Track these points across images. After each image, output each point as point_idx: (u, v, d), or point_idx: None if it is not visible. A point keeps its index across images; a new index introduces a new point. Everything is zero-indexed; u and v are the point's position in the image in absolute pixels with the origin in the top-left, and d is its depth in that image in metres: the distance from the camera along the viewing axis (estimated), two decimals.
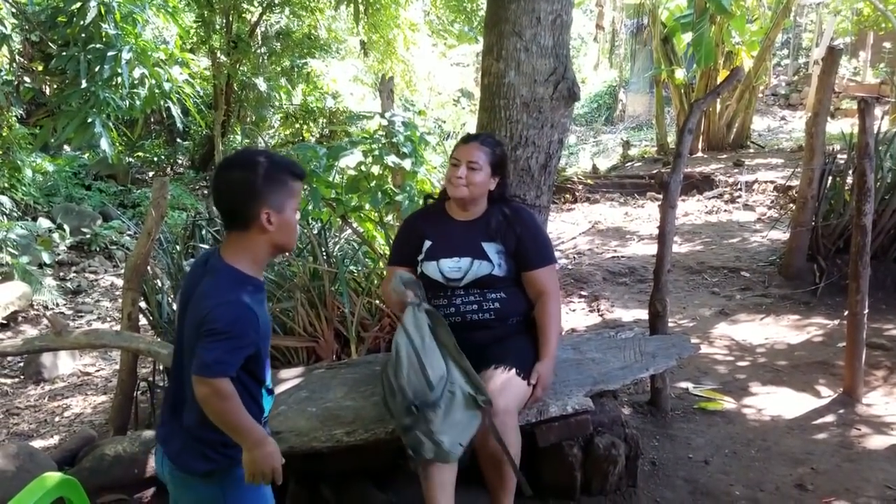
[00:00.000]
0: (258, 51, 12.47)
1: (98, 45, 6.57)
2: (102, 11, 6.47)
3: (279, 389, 3.07)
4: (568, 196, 10.57)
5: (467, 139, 2.81)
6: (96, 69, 6.55)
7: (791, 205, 7.97)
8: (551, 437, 2.68)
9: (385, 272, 3.87)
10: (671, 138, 13.53)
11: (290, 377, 3.23)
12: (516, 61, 3.08)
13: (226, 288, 1.74)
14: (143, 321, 4.28)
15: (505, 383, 2.48)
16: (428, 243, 2.77)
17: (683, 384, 4.01)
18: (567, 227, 8.76)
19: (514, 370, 2.53)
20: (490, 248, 2.70)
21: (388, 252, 4.43)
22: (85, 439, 3.29)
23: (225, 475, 1.78)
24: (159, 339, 3.90)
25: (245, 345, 1.71)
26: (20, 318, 7.20)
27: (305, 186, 4.09)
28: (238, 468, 1.76)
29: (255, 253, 1.80)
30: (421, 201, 4.28)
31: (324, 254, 4.34)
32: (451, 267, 2.69)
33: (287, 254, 4.35)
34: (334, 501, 2.70)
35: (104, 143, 6.91)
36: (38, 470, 2.84)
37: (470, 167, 2.69)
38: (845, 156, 5.76)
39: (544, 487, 2.81)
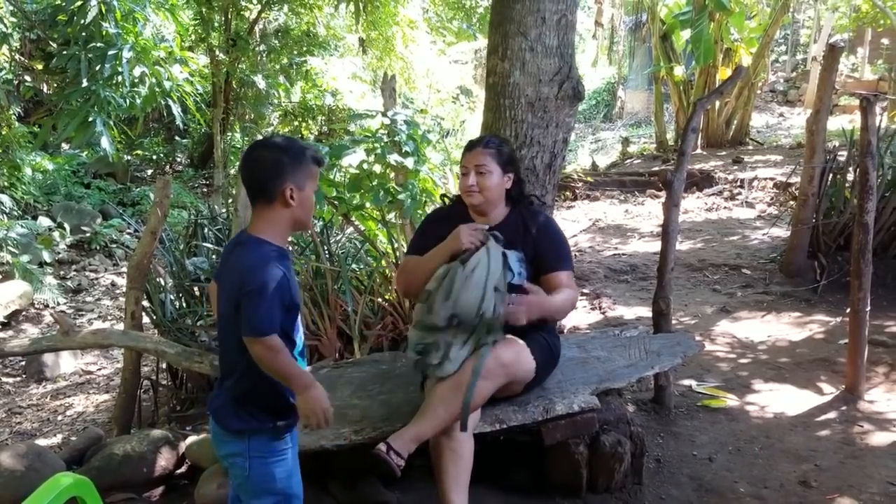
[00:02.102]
0: (257, 48, 12.46)
1: (99, 44, 6.57)
2: (103, 10, 6.47)
3: None
4: (568, 194, 10.58)
5: (471, 145, 2.79)
6: (97, 68, 6.56)
7: (791, 202, 8.00)
8: (557, 435, 2.69)
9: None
10: (670, 135, 13.55)
11: None
12: (521, 61, 3.09)
13: (254, 253, 1.93)
14: (145, 320, 4.29)
15: (519, 349, 2.58)
16: None
17: (686, 382, 4.02)
18: (568, 225, 8.77)
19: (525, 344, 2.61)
20: (512, 257, 2.64)
21: (389, 250, 4.46)
22: (93, 438, 3.30)
23: (253, 435, 1.97)
24: (164, 339, 3.90)
25: (281, 301, 1.88)
26: (21, 317, 7.21)
27: None
28: (264, 433, 1.97)
29: (278, 224, 1.98)
30: (426, 200, 4.32)
31: (326, 252, 4.35)
32: None
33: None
34: (343, 500, 2.71)
35: (105, 142, 6.93)
36: (46, 469, 2.85)
37: (479, 172, 2.69)
38: (845, 153, 5.78)
39: (551, 485, 2.83)
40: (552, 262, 2.72)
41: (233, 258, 1.99)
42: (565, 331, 4.71)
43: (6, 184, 8.98)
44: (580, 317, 5.32)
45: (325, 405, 1.94)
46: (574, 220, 9.06)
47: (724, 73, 11.88)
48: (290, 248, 4.42)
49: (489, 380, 2.47)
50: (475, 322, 2.46)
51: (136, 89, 7.08)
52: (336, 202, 4.20)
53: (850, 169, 5.55)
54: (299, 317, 2.05)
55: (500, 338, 2.54)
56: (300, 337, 2.04)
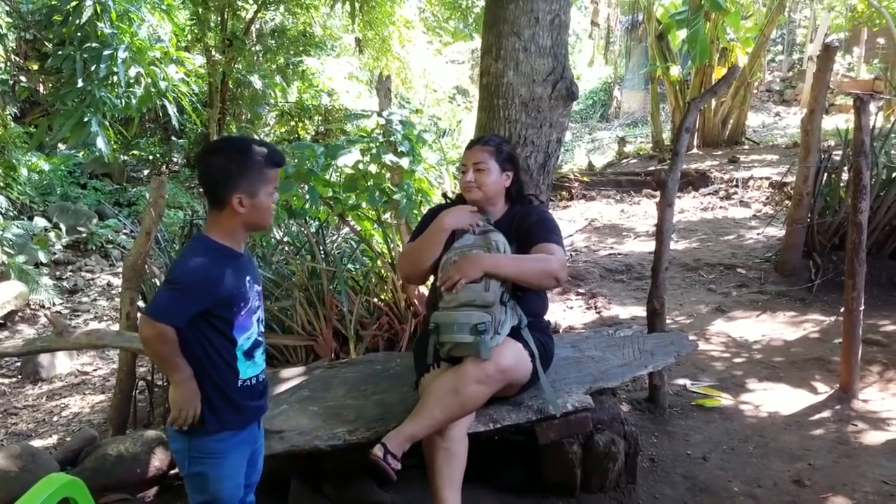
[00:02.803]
0: (253, 48, 12.44)
1: (94, 44, 6.56)
2: (98, 10, 6.46)
3: (280, 388, 3.09)
4: (564, 193, 10.60)
5: (471, 143, 2.83)
6: (92, 68, 6.54)
7: (787, 201, 8.01)
8: (552, 434, 2.69)
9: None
10: (666, 135, 13.56)
11: (291, 376, 3.25)
12: (515, 61, 3.09)
13: (190, 251, 2.01)
14: None
15: (517, 353, 2.55)
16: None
17: (681, 381, 4.03)
18: (564, 225, 8.76)
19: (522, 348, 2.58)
20: (500, 238, 2.66)
21: (385, 251, 4.45)
22: (87, 439, 3.29)
23: (193, 435, 2.00)
24: None
25: (194, 298, 1.91)
26: (17, 318, 7.19)
27: (303, 185, 4.11)
28: (203, 434, 2.00)
29: (229, 229, 2.00)
30: (422, 200, 4.32)
31: (322, 252, 4.35)
32: None
33: (267, 236, 4.40)
34: (336, 500, 2.71)
35: (100, 142, 6.91)
36: (40, 470, 2.85)
37: (477, 168, 2.72)
38: (840, 152, 5.79)
39: (545, 485, 2.83)
40: (538, 235, 2.68)
41: None
42: (560, 330, 4.72)
43: (2, 184, 8.96)
44: (575, 316, 5.32)
45: (194, 403, 1.97)
46: (570, 220, 9.07)
47: (720, 72, 11.88)
48: (285, 246, 4.43)
49: (487, 385, 2.48)
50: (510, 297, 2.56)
51: (131, 89, 7.06)
52: (332, 202, 4.21)
53: (845, 168, 5.56)
54: (253, 316, 2.05)
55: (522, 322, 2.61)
56: (248, 337, 2.04)
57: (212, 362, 1.98)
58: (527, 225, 2.74)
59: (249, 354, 2.06)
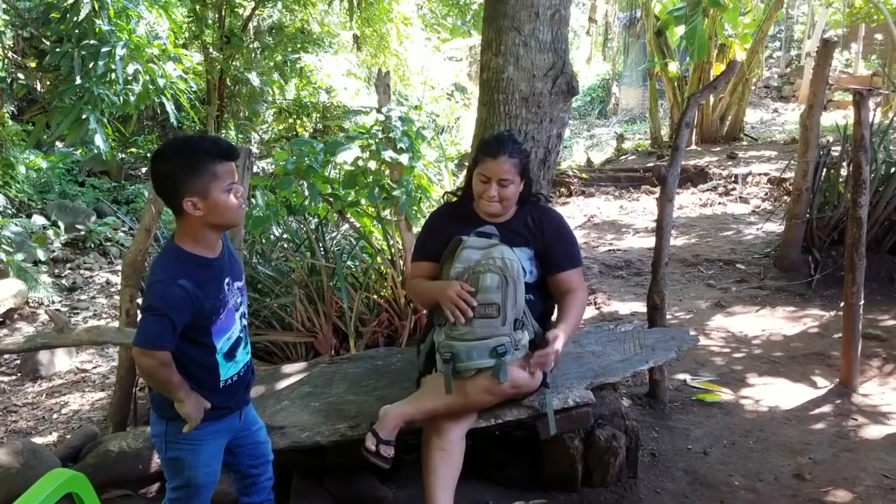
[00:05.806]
0: (251, 45, 12.41)
1: (92, 41, 6.54)
2: (96, 7, 6.44)
3: (281, 384, 3.09)
4: (563, 190, 10.60)
5: (494, 153, 2.59)
6: (90, 65, 6.53)
7: (785, 197, 8.02)
8: None
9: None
10: (665, 131, 13.57)
11: (292, 372, 3.25)
12: (515, 56, 3.09)
13: (163, 266, 1.94)
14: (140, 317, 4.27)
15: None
16: None
17: (681, 376, 4.03)
18: None
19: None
20: (522, 255, 2.61)
21: (384, 247, 4.45)
22: (88, 436, 3.30)
23: (170, 421, 2.03)
24: None
25: (176, 320, 1.87)
26: (16, 316, 7.18)
27: (303, 182, 4.10)
28: (179, 420, 2.00)
29: (194, 234, 1.94)
30: (421, 196, 4.31)
31: (321, 249, 4.35)
32: None
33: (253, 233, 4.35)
34: (338, 495, 2.71)
35: (98, 140, 6.90)
36: (41, 467, 2.85)
37: (501, 184, 2.58)
38: (839, 148, 5.80)
39: (546, 479, 2.84)
40: (563, 261, 2.68)
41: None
42: None
43: (0, 182, 8.95)
44: None
45: (202, 406, 2.00)
46: (569, 217, 9.07)
47: (718, 68, 11.90)
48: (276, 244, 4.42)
49: (496, 396, 2.47)
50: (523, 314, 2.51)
51: (129, 87, 7.04)
52: (331, 199, 4.20)
53: (844, 164, 5.57)
54: (235, 314, 2.03)
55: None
56: (229, 338, 2.03)
57: (189, 374, 1.98)
58: (546, 235, 2.69)
59: (230, 355, 2.05)
